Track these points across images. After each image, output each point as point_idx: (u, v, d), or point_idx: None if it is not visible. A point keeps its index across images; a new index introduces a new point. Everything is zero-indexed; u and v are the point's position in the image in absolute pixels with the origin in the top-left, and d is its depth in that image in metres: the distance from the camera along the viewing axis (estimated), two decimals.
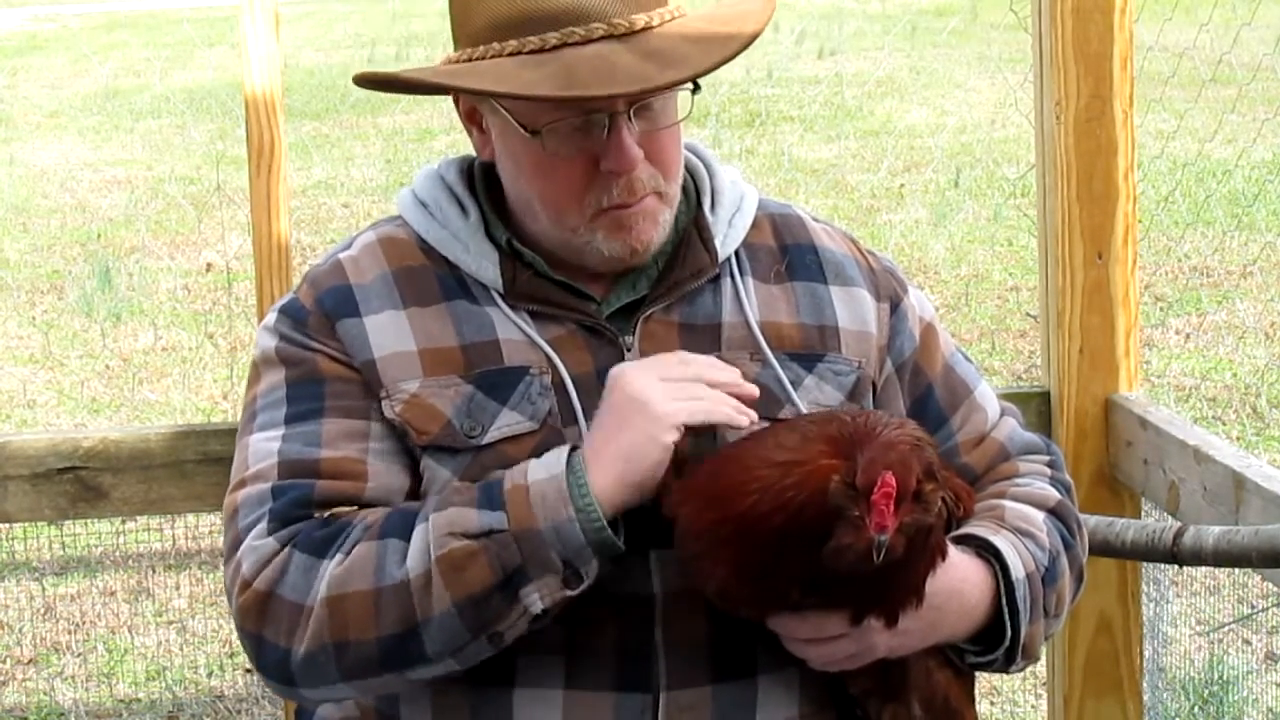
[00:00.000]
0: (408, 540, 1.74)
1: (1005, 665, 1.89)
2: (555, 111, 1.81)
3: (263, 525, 1.79)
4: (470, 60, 1.84)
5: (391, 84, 1.95)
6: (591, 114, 1.80)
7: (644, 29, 1.81)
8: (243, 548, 1.79)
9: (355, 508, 1.81)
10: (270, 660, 1.78)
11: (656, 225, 1.88)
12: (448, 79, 1.84)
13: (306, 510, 1.80)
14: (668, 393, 1.75)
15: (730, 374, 1.80)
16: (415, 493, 1.85)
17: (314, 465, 1.82)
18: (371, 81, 1.94)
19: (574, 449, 1.76)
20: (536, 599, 1.72)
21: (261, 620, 1.77)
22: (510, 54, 1.80)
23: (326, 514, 1.80)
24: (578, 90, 1.75)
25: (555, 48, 1.79)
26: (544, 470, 1.74)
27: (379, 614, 1.73)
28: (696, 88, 1.86)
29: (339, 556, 1.75)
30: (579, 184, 1.84)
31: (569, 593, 1.73)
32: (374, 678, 1.77)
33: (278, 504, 1.80)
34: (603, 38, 1.79)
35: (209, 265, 9.01)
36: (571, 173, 1.83)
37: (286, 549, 1.77)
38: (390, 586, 1.72)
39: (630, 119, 1.81)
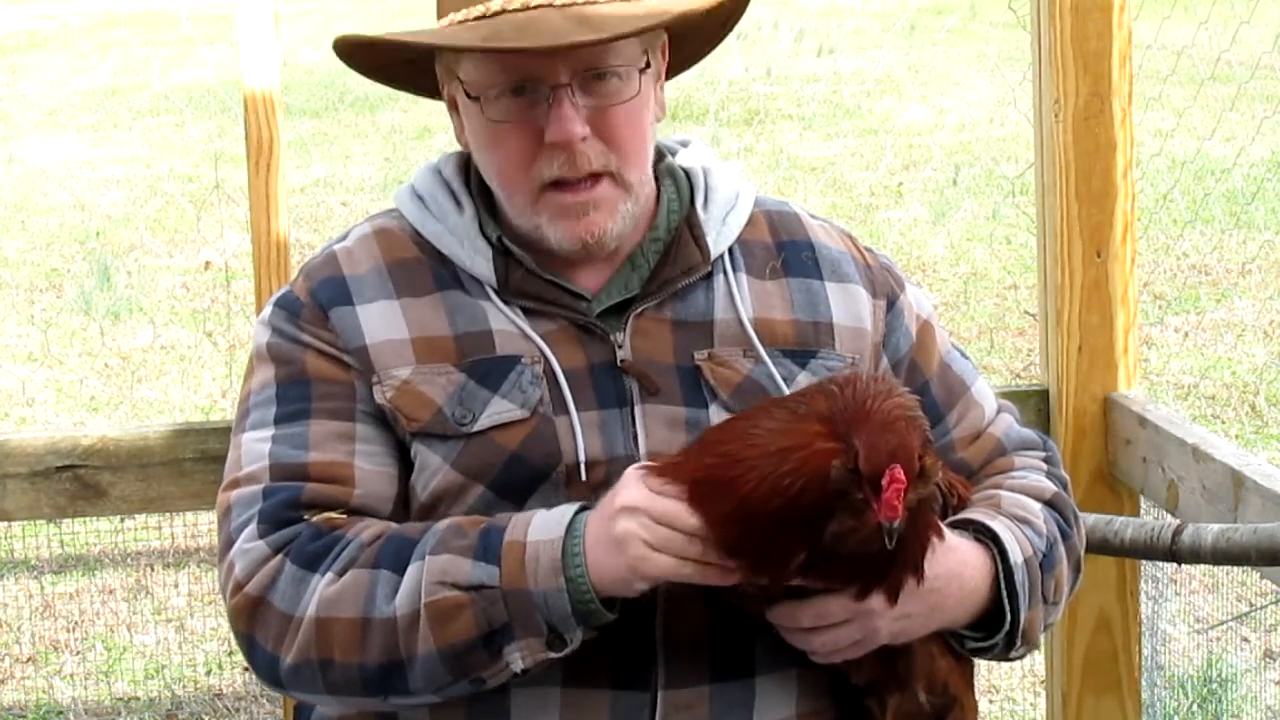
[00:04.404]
0: (401, 574, 1.75)
1: (1005, 651, 1.90)
2: (495, 76, 1.85)
3: (253, 527, 1.82)
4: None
5: (366, 53, 2.00)
6: (531, 81, 1.84)
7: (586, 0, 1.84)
8: (234, 549, 1.82)
9: (344, 516, 1.83)
10: (261, 663, 1.81)
11: (612, 215, 1.89)
12: (396, 38, 1.92)
13: (295, 512, 1.82)
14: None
15: None
16: (403, 493, 1.87)
17: (303, 468, 1.84)
18: (346, 50, 2.00)
19: (582, 508, 1.76)
20: (518, 657, 1.74)
21: (252, 624, 1.80)
22: (460, 22, 1.87)
23: (316, 518, 1.81)
24: (494, 43, 1.82)
25: (496, 14, 1.85)
26: (544, 530, 1.74)
27: (365, 642, 1.75)
28: (647, 65, 1.88)
29: (330, 575, 1.77)
30: (525, 155, 1.86)
31: (551, 655, 1.74)
32: (357, 698, 1.80)
33: (267, 505, 1.82)
34: (541, 6, 1.83)
35: (208, 263, 9.00)
36: (518, 143, 1.86)
37: (279, 556, 1.79)
38: (379, 619, 1.75)
39: (574, 91, 1.84)
